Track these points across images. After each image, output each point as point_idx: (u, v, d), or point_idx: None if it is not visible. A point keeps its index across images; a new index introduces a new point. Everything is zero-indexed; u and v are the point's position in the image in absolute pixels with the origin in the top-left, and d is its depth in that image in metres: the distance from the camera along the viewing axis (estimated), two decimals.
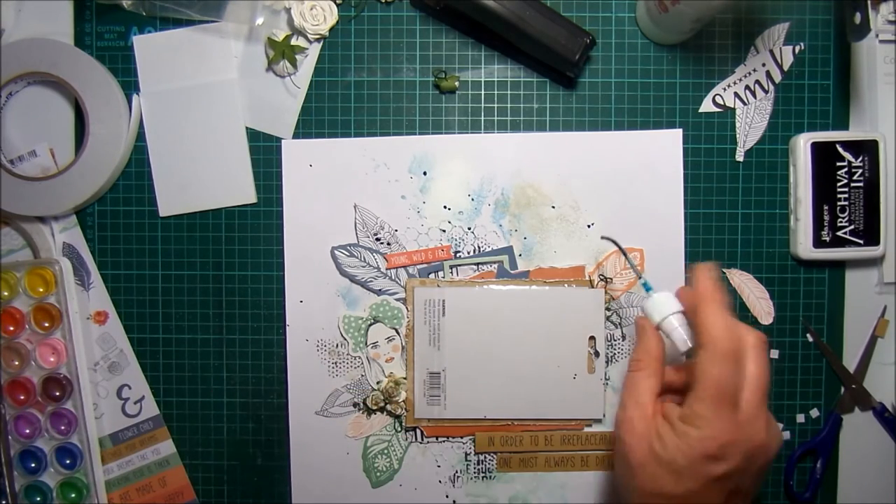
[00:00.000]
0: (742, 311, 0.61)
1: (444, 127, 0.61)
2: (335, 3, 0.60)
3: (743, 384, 0.44)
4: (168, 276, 0.62)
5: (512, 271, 0.60)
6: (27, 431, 0.60)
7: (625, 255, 0.58)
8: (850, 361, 0.61)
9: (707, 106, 0.60)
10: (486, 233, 0.60)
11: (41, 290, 0.60)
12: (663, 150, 0.60)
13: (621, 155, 0.60)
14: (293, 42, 0.60)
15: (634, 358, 0.50)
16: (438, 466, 0.61)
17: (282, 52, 0.59)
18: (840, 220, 0.59)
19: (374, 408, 0.61)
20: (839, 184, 0.59)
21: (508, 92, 0.61)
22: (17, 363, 0.60)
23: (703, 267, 0.48)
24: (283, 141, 0.61)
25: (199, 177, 0.61)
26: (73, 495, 0.61)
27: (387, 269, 0.60)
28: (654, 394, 0.47)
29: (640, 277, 0.56)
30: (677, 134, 0.60)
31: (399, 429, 0.61)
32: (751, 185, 0.61)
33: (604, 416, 0.60)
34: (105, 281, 0.62)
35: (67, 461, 0.60)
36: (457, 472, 0.61)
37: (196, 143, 0.61)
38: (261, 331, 0.62)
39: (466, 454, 0.61)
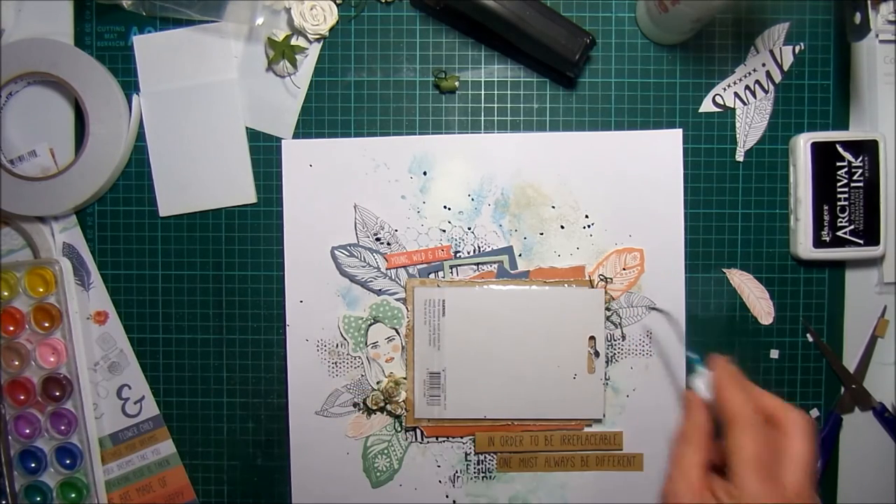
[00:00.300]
0: (742, 311, 0.61)
1: (444, 127, 0.61)
2: (335, 3, 0.60)
3: (785, 458, 0.45)
4: (168, 276, 0.62)
5: (512, 271, 0.60)
6: (27, 431, 0.60)
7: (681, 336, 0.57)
8: (850, 361, 0.61)
9: (707, 106, 0.61)
10: (486, 233, 0.60)
11: (41, 290, 0.60)
12: (663, 150, 0.60)
13: (621, 155, 0.60)
14: (293, 42, 0.60)
15: (682, 431, 0.50)
16: (438, 466, 0.61)
17: (282, 52, 0.59)
18: (840, 220, 0.59)
19: (374, 408, 0.61)
20: (839, 184, 0.59)
21: (508, 92, 0.61)
22: (17, 363, 0.60)
23: (716, 357, 0.50)
24: (283, 141, 0.61)
25: (199, 177, 0.61)
26: (73, 495, 0.61)
27: (387, 269, 0.60)
28: (701, 468, 0.47)
29: (686, 351, 0.56)
30: (677, 134, 0.60)
31: (399, 429, 0.61)
32: (751, 185, 0.61)
33: (604, 416, 0.60)
34: (105, 281, 0.62)
35: (67, 461, 0.60)
36: (457, 472, 0.61)
37: (196, 143, 0.61)
38: (261, 331, 0.62)
39: (466, 454, 0.61)
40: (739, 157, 0.61)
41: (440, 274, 0.60)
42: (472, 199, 0.60)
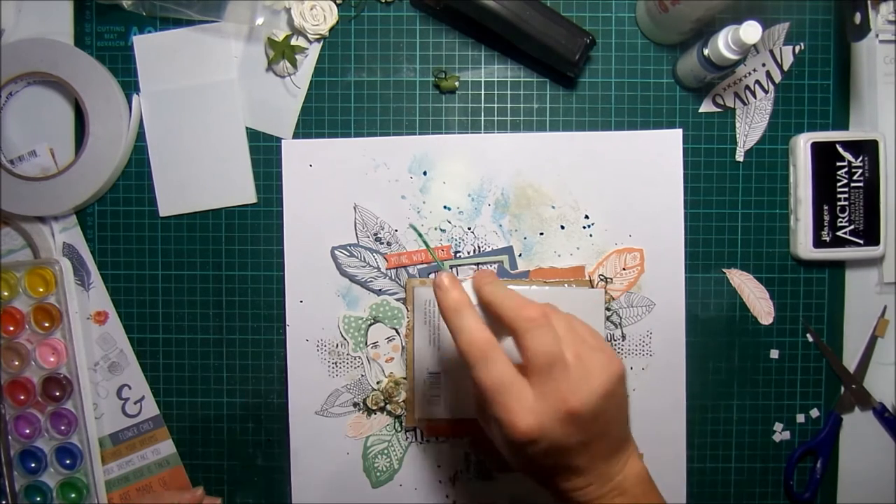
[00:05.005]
0: (742, 311, 0.61)
1: (444, 127, 0.61)
2: (335, 3, 0.60)
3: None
4: (168, 276, 0.62)
5: (512, 271, 0.60)
6: (27, 431, 0.60)
7: (427, 246, 0.57)
8: (850, 361, 0.61)
9: (707, 106, 0.60)
10: (486, 233, 0.60)
11: (41, 290, 0.60)
12: (663, 150, 0.60)
13: (621, 155, 0.60)
14: (293, 42, 0.60)
15: (447, 305, 0.45)
16: (438, 466, 0.61)
17: (282, 52, 0.59)
18: (840, 220, 0.59)
19: (374, 408, 0.61)
20: (839, 184, 0.59)
21: (508, 92, 0.61)
22: (17, 363, 0.60)
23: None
24: (283, 141, 0.61)
25: (199, 177, 0.61)
26: (73, 495, 0.61)
27: (387, 269, 0.60)
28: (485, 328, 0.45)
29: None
30: (677, 134, 0.60)
31: (399, 429, 0.61)
32: (751, 185, 0.61)
33: None
34: (105, 281, 0.62)
35: (67, 461, 0.60)
36: (457, 472, 0.61)
37: (196, 143, 0.61)
38: (261, 331, 0.62)
39: (466, 454, 0.61)
40: (739, 157, 0.61)
41: None
42: (472, 199, 0.60)
